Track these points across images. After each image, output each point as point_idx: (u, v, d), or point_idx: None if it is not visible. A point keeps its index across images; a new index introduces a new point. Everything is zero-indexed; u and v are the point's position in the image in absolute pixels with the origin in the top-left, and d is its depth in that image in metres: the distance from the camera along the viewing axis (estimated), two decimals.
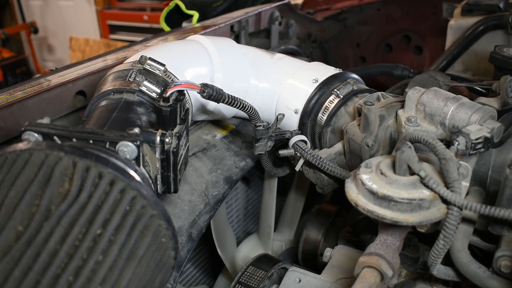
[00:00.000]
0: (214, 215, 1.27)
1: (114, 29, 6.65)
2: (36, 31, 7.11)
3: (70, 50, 6.87)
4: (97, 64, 1.44)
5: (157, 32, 1.98)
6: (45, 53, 7.93)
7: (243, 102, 1.05)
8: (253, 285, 1.22)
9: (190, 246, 1.16)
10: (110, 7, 6.84)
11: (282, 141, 1.24)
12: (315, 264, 1.47)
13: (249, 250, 1.59)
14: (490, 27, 1.89)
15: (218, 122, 1.47)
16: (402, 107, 1.07)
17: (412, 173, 0.84)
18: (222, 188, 1.28)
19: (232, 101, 1.02)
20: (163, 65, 1.07)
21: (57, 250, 0.66)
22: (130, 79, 1.03)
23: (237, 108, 1.05)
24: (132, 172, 0.78)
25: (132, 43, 1.78)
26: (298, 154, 1.17)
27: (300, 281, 1.13)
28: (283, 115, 1.19)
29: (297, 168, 1.21)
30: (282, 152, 1.19)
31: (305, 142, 1.17)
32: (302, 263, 1.52)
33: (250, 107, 1.08)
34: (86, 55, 6.55)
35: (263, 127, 1.15)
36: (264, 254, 1.39)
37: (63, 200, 0.69)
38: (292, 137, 1.18)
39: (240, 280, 1.25)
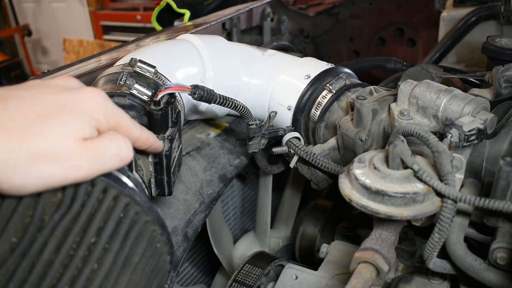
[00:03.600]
0: (209, 213, 1.26)
1: (107, 29, 6.62)
2: (29, 33, 7.07)
3: (64, 52, 6.83)
4: (89, 65, 1.43)
5: (151, 32, 1.97)
6: (39, 55, 7.90)
7: (235, 101, 1.04)
8: (250, 283, 1.22)
9: (186, 245, 1.16)
10: (103, 8, 6.81)
11: (276, 138, 1.23)
12: (312, 260, 1.47)
13: (246, 247, 1.59)
14: (482, 18, 1.89)
15: (211, 120, 1.47)
16: (395, 100, 1.07)
17: (405, 166, 0.84)
18: (217, 187, 1.28)
19: (224, 101, 1.01)
20: (153, 67, 1.07)
21: (52, 260, 0.65)
22: (120, 82, 1.02)
23: (229, 107, 1.04)
24: (124, 179, 0.77)
25: (125, 43, 1.78)
26: (292, 151, 1.17)
27: (296, 278, 1.12)
28: (276, 112, 1.19)
29: (292, 165, 1.21)
30: (276, 149, 1.19)
31: (298, 138, 1.17)
32: (299, 260, 1.52)
33: (242, 106, 1.07)
34: (80, 56, 6.51)
35: (256, 125, 1.14)
36: (261, 252, 1.39)
37: (56, 210, 0.68)
38: (285, 134, 1.18)
39: (237, 278, 1.25)
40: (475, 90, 1.12)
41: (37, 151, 0.63)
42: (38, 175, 0.64)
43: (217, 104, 1.01)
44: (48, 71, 1.50)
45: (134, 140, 0.78)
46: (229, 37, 1.92)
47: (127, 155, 0.73)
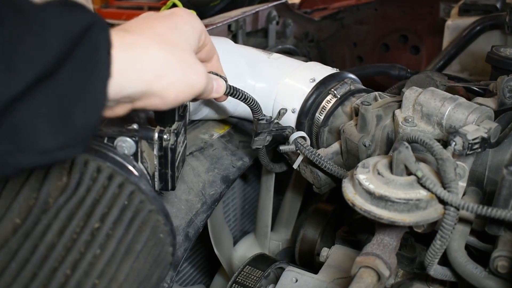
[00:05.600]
0: (211, 214, 1.27)
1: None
2: None
3: None
4: None
5: None
6: None
7: (245, 93, 1.02)
8: (250, 284, 1.22)
9: (187, 245, 1.16)
10: (107, 6, 6.80)
11: (278, 141, 1.23)
12: (312, 264, 1.47)
13: (246, 249, 1.59)
14: (487, 27, 1.89)
15: (215, 121, 1.47)
16: (399, 107, 1.07)
17: (409, 173, 0.85)
18: (219, 188, 1.28)
19: (234, 91, 0.99)
20: None
21: (54, 243, 0.66)
22: None
23: (239, 99, 1.02)
24: (130, 167, 0.78)
25: None
26: (298, 150, 1.16)
27: (296, 281, 1.13)
28: (286, 109, 1.19)
29: (295, 165, 1.21)
30: (283, 147, 1.17)
31: (304, 138, 1.17)
32: (299, 263, 1.52)
33: (252, 99, 1.05)
34: None
35: (266, 121, 1.14)
36: (261, 254, 1.39)
37: (61, 194, 0.69)
38: (292, 133, 1.17)
39: (237, 279, 1.25)
40: (479, 99, 1.12)
41: (177, 54, 0.73)
42: (182, 76, 0.73)
43: (227, 94, 0.98)
44: None
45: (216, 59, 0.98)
46: (234, 39, 1.93)
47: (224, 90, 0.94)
